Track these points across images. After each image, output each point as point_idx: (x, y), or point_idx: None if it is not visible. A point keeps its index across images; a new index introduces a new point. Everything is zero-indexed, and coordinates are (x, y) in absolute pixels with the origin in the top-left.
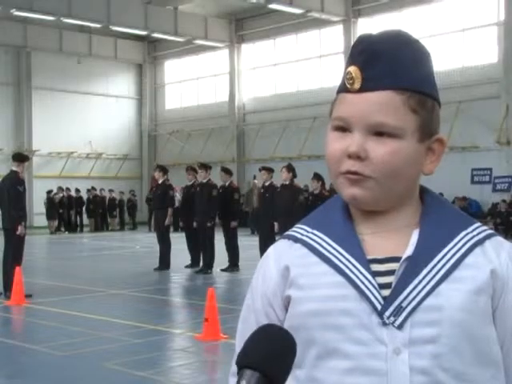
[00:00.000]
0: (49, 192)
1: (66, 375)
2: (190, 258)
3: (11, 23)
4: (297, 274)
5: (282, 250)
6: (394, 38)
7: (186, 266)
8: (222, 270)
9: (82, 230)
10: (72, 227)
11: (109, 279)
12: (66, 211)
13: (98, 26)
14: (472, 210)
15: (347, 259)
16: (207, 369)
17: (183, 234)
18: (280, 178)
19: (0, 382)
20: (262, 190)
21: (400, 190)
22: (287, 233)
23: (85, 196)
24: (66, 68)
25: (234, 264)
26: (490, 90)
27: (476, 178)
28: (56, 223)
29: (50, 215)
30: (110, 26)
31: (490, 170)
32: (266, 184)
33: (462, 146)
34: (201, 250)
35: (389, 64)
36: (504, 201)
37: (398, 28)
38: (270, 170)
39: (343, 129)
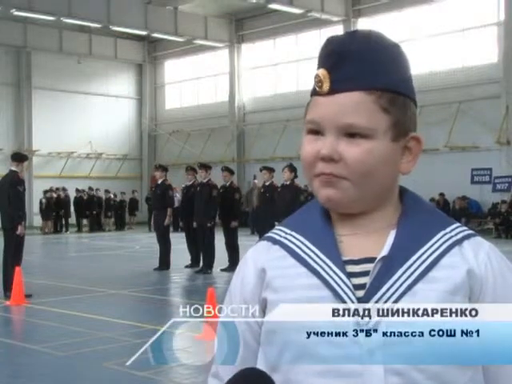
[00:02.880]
0: (46, 192)
1: (66, 375)
2: (189, 258)
3: (11, 23)
4: (272, 276)
5: (259, 253)
6: (362, 39)
7: (186, 266)
8: (222, 270)
9: (80, 230)
10: (65, 227)
11: (109, 279)
12: (63, 211)
13: (98, 25)
14: (472, 210)
15: (323, 260)
16: (207, 369)
17: (183, 234)
18: (281, 177)
19: (0, 381)
20: (262, 190)
21: (376, 190)
22: (267, 234)
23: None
24: (66, 68)
25: (234, 264)
26: (490, 90)
27: (476, 178)
28: (51, 223)
29: (45, 216)
30: (110, 26)
31: (490, 170)
32: (267, 184)
33: (462, 146)
34: (201, 250)
35: (357, 65)
36: (504, 201)
37: (371, 29)
38: (271, 170)
39: (316, 132)
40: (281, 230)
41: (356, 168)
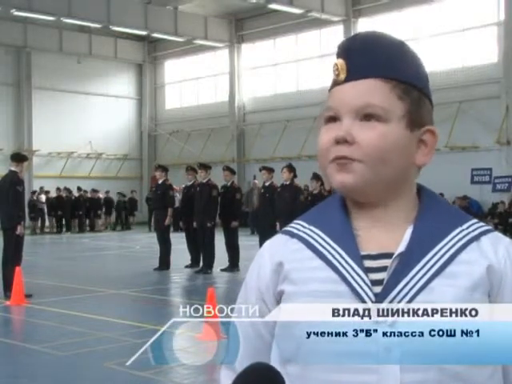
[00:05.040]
0: (33, 192)
1: (66, 375)
2: (189, 258)
3: (11, 23)
4: (290, 268)
5: (277, 246)
6: (374, 36)
7: (186, 266)
8: (222, 270)
9: (82, 231)
10: (66, 227)
11: (109, 279)
12: (63, 212)
13: (98, 25)
14: (473, 210)
15: (340, 255)
16: (207, 369)
17: (183, 234)
18: (281, 178)
19: (0, 381)
20: (262, 191)
21: (389, 176)
22: (284, 228)
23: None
24: (66, 68)
25: (234, 264)
26: (490, 90)
27: (476, 178)
28: (39, 224)
29: (32, 216)
30: (110, 26)
31: (490, 169)
32: (267, 184)
33: (462, 146)
34: (201, 250)
35: (373, 56)
36: (503, 202)
37: (383, 31)
38: (270, 170)
39: (333, 119)
40: (299, 224)
41: (370, 150)
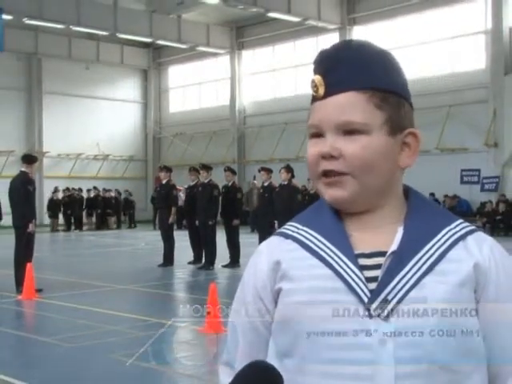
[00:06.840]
0: (54, 192)
1: (75, 366)
2: (192, 254)
3: (23, 31)
4: (287, 266)
5: (273, 246)
6: (351, 46)
7: (189, 263)
8: (224, 266)
9: (99, 229)
10: (74, 225)
11: (115, 275)
12: (72, 210)
13: (106, 33)
14: (463, 209)
15: (335, 253)
16: (209, 360)
17: (186, 232)
18: (279, 178)
19: (13, 371)
20: (261, 190)
21: (378, 184)
22: (279, 230)
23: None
24: (75, 73)
25: (235, 260)
26: (479, 95)
27: (465, 179)
28: (57, 221)
29: (52, 214)
30: (117, 34)
31: (479, 170)
32: (265, 184)
33: (452, 148)
34: (203, 247)
35: (348, 68)
36: (491, 201)
37: (359, 38)
38: (269, 171)
39: (318, 135)
40: (292, 226)
41: (355, 162)
